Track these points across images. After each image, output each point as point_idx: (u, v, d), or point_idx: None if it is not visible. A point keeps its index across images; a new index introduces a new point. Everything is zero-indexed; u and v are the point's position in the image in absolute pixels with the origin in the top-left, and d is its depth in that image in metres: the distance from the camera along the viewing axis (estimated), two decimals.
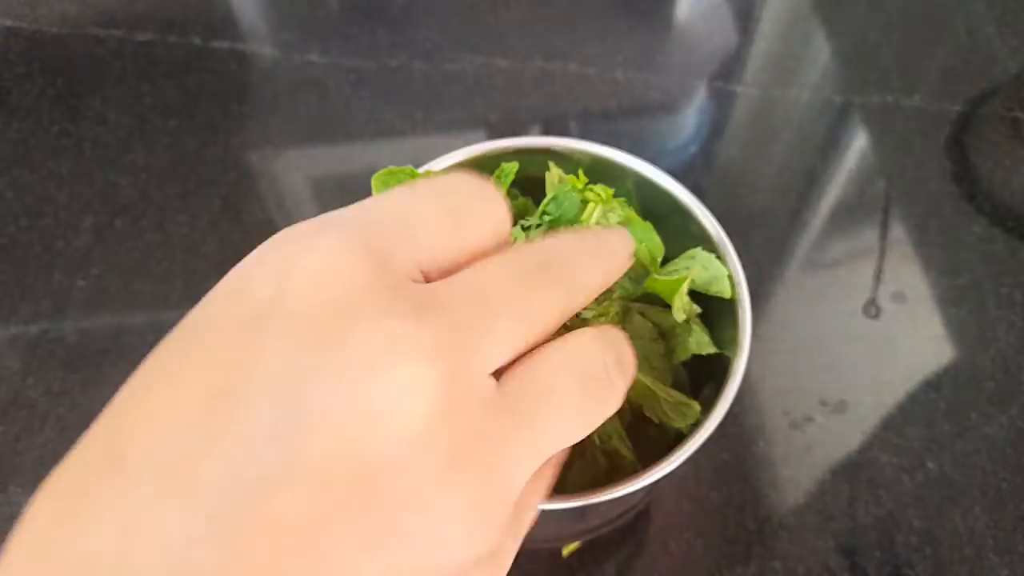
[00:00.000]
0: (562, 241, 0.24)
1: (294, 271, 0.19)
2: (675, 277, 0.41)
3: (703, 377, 0.45)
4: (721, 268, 0.43)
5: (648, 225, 0.45)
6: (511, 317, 0.20)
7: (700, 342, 0.43)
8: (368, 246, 0.19)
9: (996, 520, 0.55)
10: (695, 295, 0.44)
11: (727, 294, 0.43)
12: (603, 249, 0.24)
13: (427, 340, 0.18)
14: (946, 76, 0.76)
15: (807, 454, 0.57)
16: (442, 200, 0.22)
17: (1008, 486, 0.56)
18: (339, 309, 0.18)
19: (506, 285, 0.20)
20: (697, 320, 0.43)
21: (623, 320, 0.42)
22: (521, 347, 0.21)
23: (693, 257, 0.43)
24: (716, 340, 0.44)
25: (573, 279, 0.22)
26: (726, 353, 0.43)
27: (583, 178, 0.44)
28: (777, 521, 0.55)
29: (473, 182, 0.23)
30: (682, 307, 0.41)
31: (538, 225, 0.45)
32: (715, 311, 0.45)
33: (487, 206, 0.23)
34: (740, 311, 0.43)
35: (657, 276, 0.43)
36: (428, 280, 0.21)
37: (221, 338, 0.18)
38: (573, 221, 0.44)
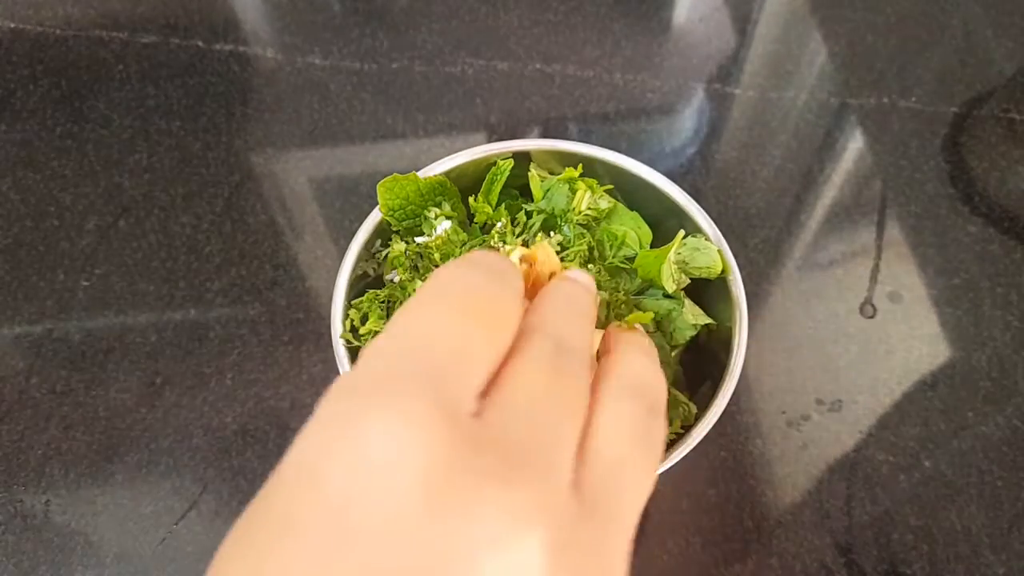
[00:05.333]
0: (549, 310, 0.25)
1: (371, 464, 0.18)
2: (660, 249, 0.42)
3: (700, 375, 0.46)
4: (708, 244, 0.43)
5: (635, 214, 0.46)
6: (569, 421, 0.22)
7: (695, 313, 0.43)
8: (436, 401, 0.19)
9: (992, 518, 0.55)
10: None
11: (717, 267, 0.43)
12: (577, 299, 0.27)
13: (525, 500, 0.19)
14: (942, 77, 0.76)
15: (804, 452, 0.58)
16: (476, 307, 0.22)
17: (1004, 484, 0.57)
18: (429, 494, 0.18)
19: (550, 393, 0.22)
20: (687, 297, 0.44)
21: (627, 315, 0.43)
22: (582, 436, 0.23)
23: (681, 236, 0.44)
24: (713, 318, 0.44)
25: (582, 344, 0.25)
26: (725, 324, 0.43)
27: (579, 169, 0.45)
28: (774, 519, 0.55)
29: (486, 268, 0.23)
30: (670, 276, 0.42)
31: (530, 224, 0.46)
32: (709, 295, 0.45)
33: (506, 290, 0.23)
34: (733, 282, 0.43)
35: (643, 252, 0.43)
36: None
37: (309, 537, 0.18)
38: (565, 210, 0.45)
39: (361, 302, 0.43)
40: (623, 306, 0.43)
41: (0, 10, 0.79)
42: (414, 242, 0.45)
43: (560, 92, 0.75)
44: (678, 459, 0.39)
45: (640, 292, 0.45)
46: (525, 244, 0.44)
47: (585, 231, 0.45)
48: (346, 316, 0.43)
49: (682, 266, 0.43)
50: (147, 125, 0.72)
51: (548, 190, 0.46)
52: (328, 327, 0.43)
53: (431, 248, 0.44)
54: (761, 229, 0.68)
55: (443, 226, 0.44)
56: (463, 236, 0.44)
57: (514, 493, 0.19)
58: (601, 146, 0.47)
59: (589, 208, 0.44)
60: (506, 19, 0.80)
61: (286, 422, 0.58)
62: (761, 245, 0.67)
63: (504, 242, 0.44)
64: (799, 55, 0.78)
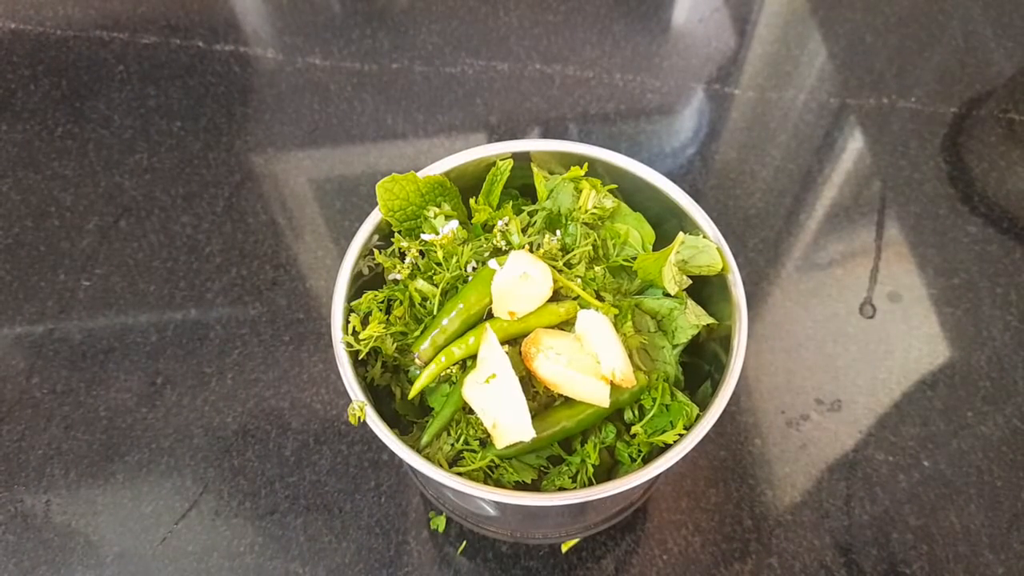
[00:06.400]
0: None
1: None
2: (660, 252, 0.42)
3: (700, 375, 0.46)
4: (707, 242, 0.43)
5: (639, 215, 0.46)
6: None
7: (698, 314, 0.44)
8: None
9: (991, 518, 0.55)
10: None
11: (717, 265, 0.43)
12: None
13: None
14: (942, 78, 0.76)
15: (803, 452, 0.58)
16: None
17: (1003, 484, 0.57)
18: None
19: None
20: (688, 297, 0.44)
21: (624, 317, 0.43)
22: None
23: (680, 241, 0.44)
24: (713, 317, 0.44)
25: None
26: (724, 323, 0.43)
27: (584, 168, 0.45)
28: (774, 519, 0.55)
29: None
30: (672, 278, 0.42)
31: (533, 222, 0.46)
32: (709, 294, 0.45)
33: None
34: (733, 282, 0.43)
35: (642, 256, 0.44)
36: None
37: None
38: (571, 209, 0.45)
39: (360, 303, 0.44)
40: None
41: (1, 10, 0.79)
42: (420, 239, 0.45)
43: (560, 92, 0.75)
44: (679, 459, 0.39)
45: (641, 291, 0.45)
46: (531, 245, 0.44)
47: (590, 231, 0.45)
48: (346, 318, 0.43)
49: (682, 265, 0.43)
50: (147, 125, 0.72)
51: (553, 189, 0.46)
52: (328, 327, 0.43)
53: (435, 247, 0.44)
54: (761, 229, 0.68)
55: (450, 226, 0.44)
56: (465, 234, 0.44)
57: None
58: (601, 146, 0.47)
59: (595, 207, 0.44)
60: (506, 19, 0.80)
61: (287, 422, 0.58)
62: (761, 245, 0.67)
63: (508, 242, 0.44)
64: (799, 55, 0.78)
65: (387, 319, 0.43)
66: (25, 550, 0.54)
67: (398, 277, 0.45)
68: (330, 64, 0.76)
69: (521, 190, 0.49)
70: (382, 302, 0.44)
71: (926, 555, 0.54)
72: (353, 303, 0.44)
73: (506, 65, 0.76)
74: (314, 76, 0.76)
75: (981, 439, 0.58)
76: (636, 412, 0.43)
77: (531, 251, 0.43)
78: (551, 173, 0.48)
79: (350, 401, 0.41)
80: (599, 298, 0.44)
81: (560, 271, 0.43)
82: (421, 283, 0.43)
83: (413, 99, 0.74)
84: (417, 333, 0.43)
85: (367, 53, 0.77)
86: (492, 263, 0.42)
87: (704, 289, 0.45)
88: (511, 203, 0.48)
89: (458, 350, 0.41)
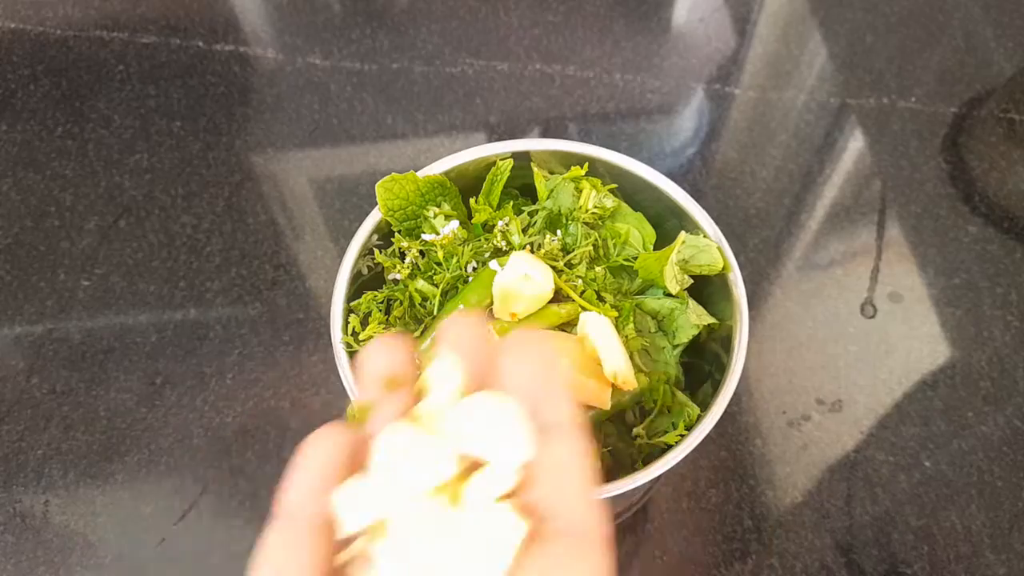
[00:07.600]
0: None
1: None
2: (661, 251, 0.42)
3: (701, 376, 0.46)
4: (708, 242, 0.43)
5: (639, 215, 0.46)
6: None
7: (699, 313, 0.44)
8: None
9: (992, 518, 0.55)
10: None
11: (718, 264, 0.43)
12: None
13: None
14: (942, 78, 0.76)
15: (804, 453, 0.58)
16: None
17: (1004, 484, 0.57)
18: None
19: None
20: (690, 297, 0.44)
21: (626, 318, 0.43)
22: None
23: (681, 240, 0.44)
24: (714, 317, 0.44)
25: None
26: (726, 323, 0.43)
27: (585, 168, 0.45)
28: (775, 519, 0.55)
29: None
30: (673, 277, 0.42)
31: (533, 222, 0.46)
32: (709, 295, 0.45)
33: None
34: (733, 282, 0.43)
35: (643, 255, 0.44)
36: None
37: None
38: (571, 209, 0.45)
39: (359, 304, 0.44)
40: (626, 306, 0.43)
41: (0, 10, 0.79)
42: (420, 239, 0.45)
43: (560, 92, 0.75)
44: (679, 459, 0.39)
45: (642, 291, 0.45)
46: (532, 245, 0.44)
47: (591, 230, 0.45)
48: (346, 318, 0.43)
49: (683, 265, 0.43)
50: (147, 125, 0.72)
51: (553, 189, 0.46)
52: (328, 327, 0.43)
53: (435, 247, 0.44)
54: (761, 229, 0.68)
55: (451, 226, 0.44)
56: (465, 234, 0.44)
57: None
58: (601, 146, 0.47)
59: (595, 207, 0.44)
60: (506, 19, 0.80)
61: (286, 422, 0.58)
62: (761, 245, 0.67)
63: (508, 242, 0.44)
64: (799, 55, 0.78)
65: (387, 319, 0.43)
66: (24, 551, 0.54)
67: (398, 277, 0.44)
68: (330, 64, 0.76)
69: (521, 190, 0.49)
70: (382, 302, 0.44)
71: (927, 555, 0.54)
72: (353, 303, 0.44)
73: (506, 65, 0.76)
74: (314, 76, 0.76)
75: (982, 439, 0.58)
76: (637, 414, 0.43)
77: (532, 251, 0.43)
78: (551, 173, 0.48)
79: (350, 401, 0.40)
80: (600, 299, 0.43)
81: (561, 271, 0.43)
82: (421, 283, 0.43)
83: (413, 99, 0.74)
84: (417, 333, 0.43)
85: (367, 53, 0.77)
86: (493, 264, 0.42)
87: (705, 289, 0.45)
88: (511, 203, 0.47)
89: None
